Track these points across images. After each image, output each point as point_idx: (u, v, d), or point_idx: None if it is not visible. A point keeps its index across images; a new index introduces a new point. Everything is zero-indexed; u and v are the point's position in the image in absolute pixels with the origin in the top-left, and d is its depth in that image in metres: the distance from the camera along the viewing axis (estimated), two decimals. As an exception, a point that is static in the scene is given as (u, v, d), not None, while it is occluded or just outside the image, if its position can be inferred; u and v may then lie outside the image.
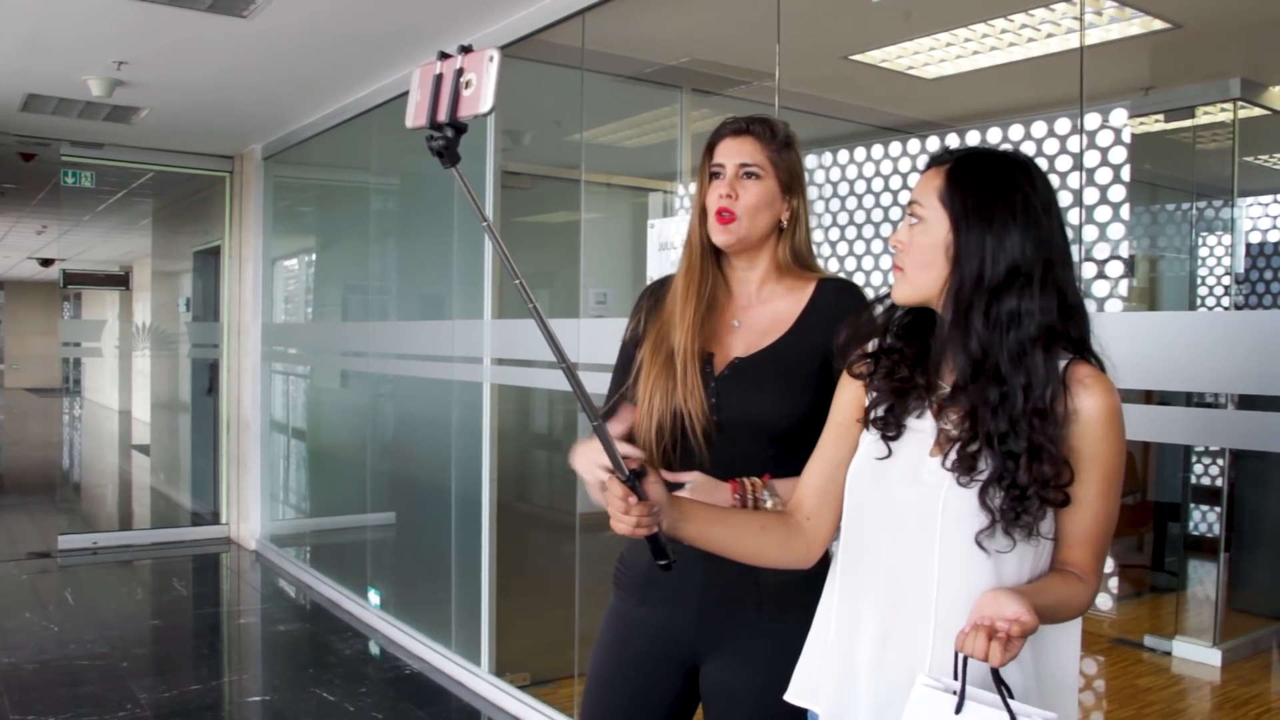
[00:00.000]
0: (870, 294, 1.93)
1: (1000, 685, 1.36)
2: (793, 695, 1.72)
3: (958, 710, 1.38)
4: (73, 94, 5.85)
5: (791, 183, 1.97)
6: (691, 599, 1.93)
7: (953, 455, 1.51)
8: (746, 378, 1.92)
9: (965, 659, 1.36)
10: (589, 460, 1.63)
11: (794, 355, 1.91)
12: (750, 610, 1.90)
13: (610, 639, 2.07)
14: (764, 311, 1.98)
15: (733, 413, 1.89)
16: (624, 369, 2.05)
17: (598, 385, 2.13)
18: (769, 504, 1.82)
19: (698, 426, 1.88)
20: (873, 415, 1.63)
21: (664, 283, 2.08)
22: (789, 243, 1.97)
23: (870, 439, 1.63)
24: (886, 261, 3.12)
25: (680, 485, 1.82)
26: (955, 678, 1.39)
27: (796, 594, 1.81)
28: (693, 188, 3.96)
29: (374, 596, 5.78)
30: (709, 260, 1.99)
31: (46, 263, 15.62)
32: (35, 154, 7.44)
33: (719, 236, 1.95)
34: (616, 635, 2.06)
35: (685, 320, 1.94)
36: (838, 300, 1.94)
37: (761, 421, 1.89)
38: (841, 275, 2.54)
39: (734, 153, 1.96)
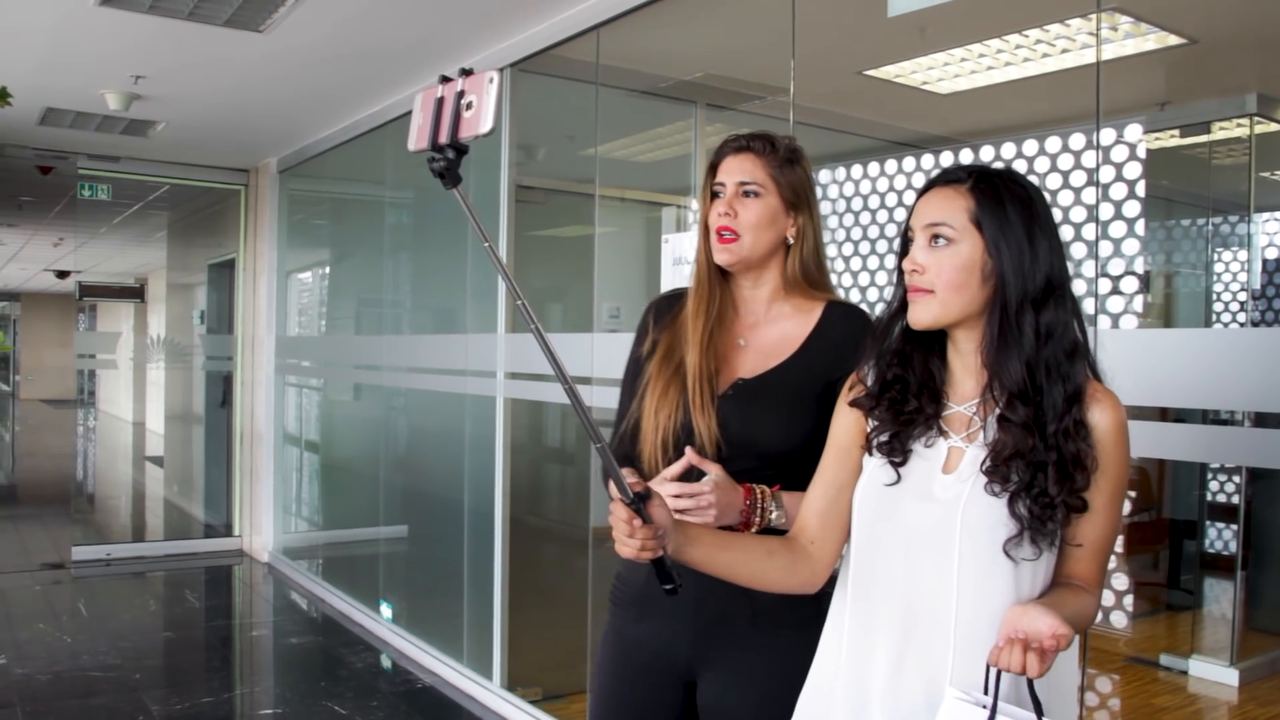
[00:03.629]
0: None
1: (1035, 699, 1.37)
2: (801, 718, 1.70)
3: None
4: (90, 108, 5.89)
5: (796, 199, 1.96)
6: (687, 614, 1.93)
7: (987, 465, 1.51)
8: (750, 399, 1.91)
9: (999, 673, 1.37)
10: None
11: (798, 379, 1.91)
12: (744, 625, 1.90)
13: (610, 657, 2.07)
14: (771, 332, 1.97)
15: (734, 433, 1.89)
16: (633, 384, 2.05)
17: (610, 400, 2.13)
18: (774, 515, 1.81)
19: (706, 444, 1.87)
20: (876, 441, 1.62)
21: (670, 298, 2.08)
22: (796, 259, 1.96)
23: (875, 463, 1.62)
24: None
25: (695, 476, 1.80)
26: (986, 692, 1.39)
27: (791, 610, 1.81)
28: (706, 202, 3.97)
29: (386, 610, 5.78)
30: (716, 278, 1.99)
31: (63, 275, 15.72)
32: (53, 167, 7.49)
33: (719, 255, 1.95)
34: (616, 653, 2.06)
35: (695, 337, 1.94)
36: (845, 326, 1.93)
37: (762, 443, 1.88)
38: (851, 299, 2.53)
39: (734, 171, 1.95)
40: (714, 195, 1.97)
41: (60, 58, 4.96)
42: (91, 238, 10.95)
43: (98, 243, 11.36)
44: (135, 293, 13.21)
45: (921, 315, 1.57)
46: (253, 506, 7.88)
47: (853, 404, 1.67)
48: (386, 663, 5.33)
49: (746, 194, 1.94)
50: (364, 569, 6.32)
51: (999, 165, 1.93)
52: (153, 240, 10.82)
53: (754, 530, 1.81)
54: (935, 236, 1.55)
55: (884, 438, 1.60)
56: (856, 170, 3.24)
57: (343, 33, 4.51)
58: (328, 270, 7.51)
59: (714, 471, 1.76)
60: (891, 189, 3.17)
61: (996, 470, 1.50)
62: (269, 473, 7.70)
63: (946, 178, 1.58)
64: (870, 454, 1.63)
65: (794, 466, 1.84)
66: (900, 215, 3.16)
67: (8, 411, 22.14)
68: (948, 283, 1.54)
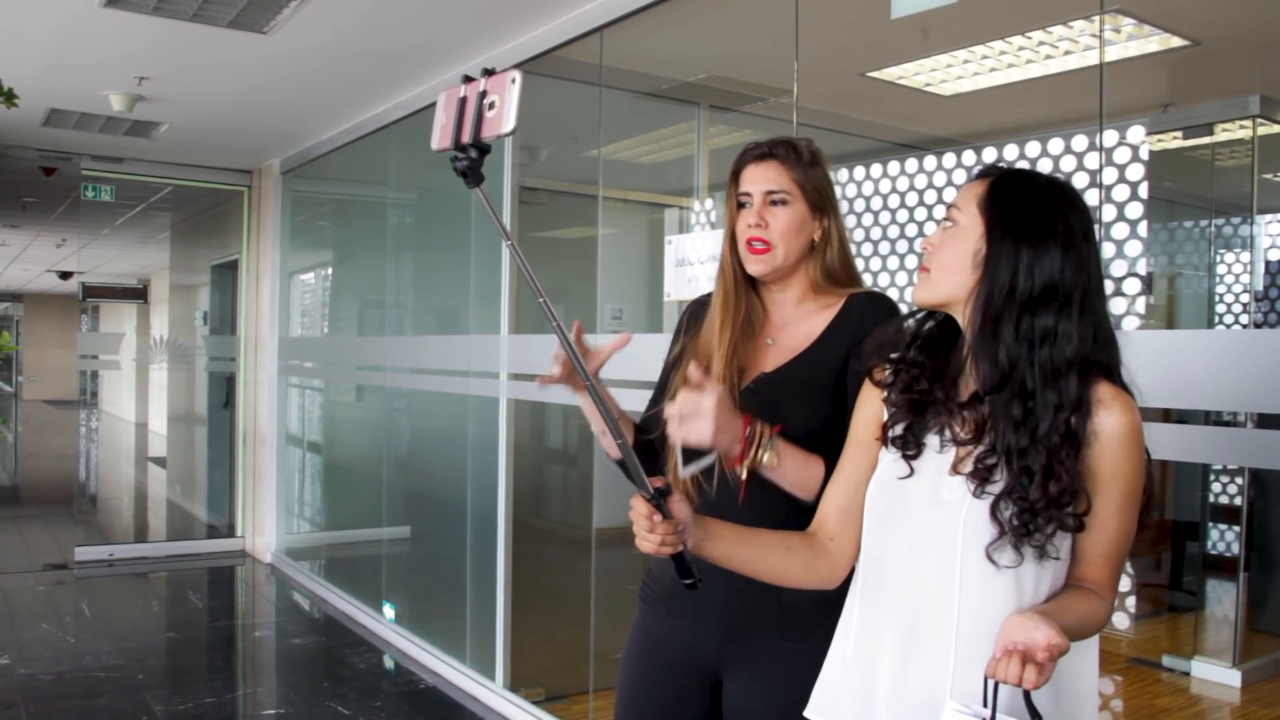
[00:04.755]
0: (902, 309, 1.90)
1: (1032, 711, 1.35)
2: (813, 711, 1.70)
3: None
4: (94, 109, 5.90)
5: (821, 202, 1.95)
6: (714, 614, 1.93)
7: (969, 464, 1.51)
8: (770, 391, 1.92)
9: (996, 684, 1.36)
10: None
11: (815, 368, 1.91)
12: (772, 628, 1.90)
13: (637, 654, 2.07)
14: (798, 329, 1.97)
15: None
16: (662, 383, 2.08)
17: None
18: (764, 458, 1.77)
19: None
20: (891, 433, 1.62)
21: (704, 303, 2.08)
22: (820, 261, 1.96)
23: (890, 457, 1.62)
24: (904, 278, 3.12)
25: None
26: (984, 704, 1.38)
27: (818, 614, 1.80)
28: (709, 203, 3.98)
29: (389, 610, 5.78)
30: (743, 287, 1.98)
31: (65, 276, 15.75)
32: (56, 168, 7.50)
33: (753, 266, 1.94)
34: (643, 650, 2.06)
35: (720, 347, 1.94)
36: (864, 311, 1.92)
37: (784, 432, 1.87)
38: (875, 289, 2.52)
39: (759, 179, 1.94)
40: (740, 205, 1.96)
41: (64, 59, 4.97)
42: (94, 239, 10.97)
43: (101, 244, 11.38)
44: (138, 294, 13.23)
45: (917, 293, 1.59)
46: (255, 507, 7.89)
47: (874, 380, 1.68)
48: (389, 663, 5.34)
49: (774, 202, 1.93)
50: (367, 570, 6.33)
51: (1037, 168, 1.93)
52: (156, 241, 10.84)
53: (746, 464, 1.78)
54: (949, 219, 1.57)
55: (898, 430, 1.61)
56: (859, 172, 3.24)
57: (346, 34, 4.51)
58: (330, 271, 7.51)
59: (715, 390, 1.72)
60: (894, 190, 3.17)
61: (976, 471, 1.49)
62: (271, 473, 7.71)
63: (985, 170, 1.60)
64: (886, 446, 1.63)
65: (816, 451, 1.84)
66: (902, 217, 3.17)
67: (11, 412, 22.17)
68: (941, 262, 1.56)
